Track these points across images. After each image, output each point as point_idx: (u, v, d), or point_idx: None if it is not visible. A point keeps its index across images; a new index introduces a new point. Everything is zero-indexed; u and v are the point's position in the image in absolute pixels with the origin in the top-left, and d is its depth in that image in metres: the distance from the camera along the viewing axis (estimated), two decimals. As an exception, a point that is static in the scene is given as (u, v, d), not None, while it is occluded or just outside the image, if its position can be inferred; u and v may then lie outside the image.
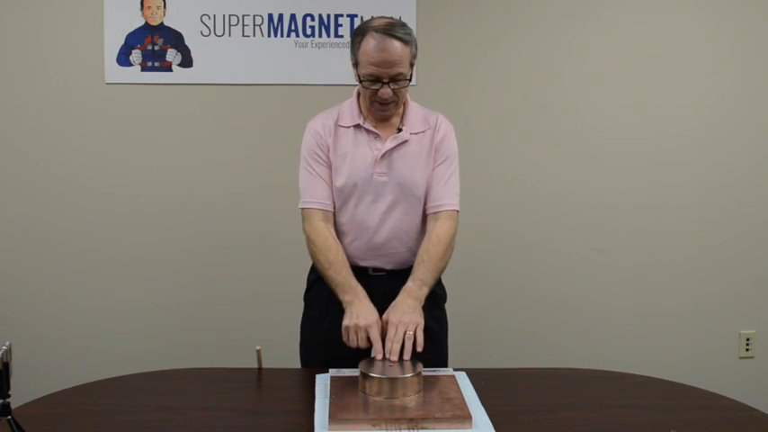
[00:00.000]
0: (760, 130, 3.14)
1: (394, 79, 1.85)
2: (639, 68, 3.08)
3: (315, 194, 1.95)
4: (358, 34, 1.88)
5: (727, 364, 3.21)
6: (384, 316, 1.77)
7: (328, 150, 1.95)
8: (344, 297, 1.83)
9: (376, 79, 1.85)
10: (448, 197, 1.97)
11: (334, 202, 1.97)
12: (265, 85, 3.01)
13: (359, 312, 1.77)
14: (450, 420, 1.49)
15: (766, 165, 3.16)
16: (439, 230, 1.93)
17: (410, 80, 1.89)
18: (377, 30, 1.84)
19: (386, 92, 1.85)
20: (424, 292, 1.85)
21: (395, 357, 1.68)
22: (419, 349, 1.71)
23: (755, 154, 3.15)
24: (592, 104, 3.10)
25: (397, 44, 1.83)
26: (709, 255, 3.17)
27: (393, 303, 1.79)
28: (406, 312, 1.75)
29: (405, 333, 1.71)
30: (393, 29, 1.84)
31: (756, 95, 3.12)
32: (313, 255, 1.93)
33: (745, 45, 3.10)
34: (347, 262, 1.90)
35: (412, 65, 1.89)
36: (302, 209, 1.97)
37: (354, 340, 1.74)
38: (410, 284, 1.85)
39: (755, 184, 3.16)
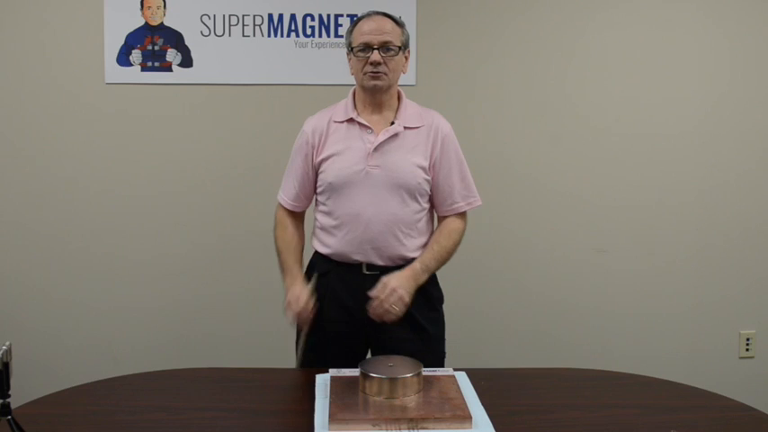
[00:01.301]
0: (760, 129, 3.14)
1: (384, 46, 1.95)
2: (641, 68, 3.07)
3: (286, 192, 2.11)
4: (353, 24, 2.02)
5: (727, 364, 3.21)
6: (384, 278, 1.93)
7: (313, 150, 2.03)
8: (286, 279, 2.04)
9: (367, 46, 1.95)
10: (460, 199, 2.09)
11: (314, 199, 2.10)
12: (265, 85, 3.01)
13: (295, 291, 1.98)
14: (451, 420, 1.50)
15: (767, 164, 3.16)
16: (452, 226, 2.08)
17: (397, 53, 1.97)
18: (370, 11, 2.03)
19: (376, 55, 1.94)
20: (425, 277, 2.00)
21: (376, 318, 1.91)
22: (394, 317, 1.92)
23: (756, 153, 3.14)
24: (592, 104, 3.09)
25: (388, 20, 2.00)
26: (708, 254, 3.17)
27: (397, 273, 1.95)
28: (404, 286, 1.93)
29: (392, 303, 1.90)
30: (386, 14, 2.01)
31: (756, 95, 3.12)
32: (275, 237, 2.11)
33: (744, 44, 3.09)
34: (300, 250, 2.10)
35: (404, 47, 2.00)
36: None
37: (292, 311, 1.96)
38: (417, 265, 1.99)
39: (756, 184, 3.16)
